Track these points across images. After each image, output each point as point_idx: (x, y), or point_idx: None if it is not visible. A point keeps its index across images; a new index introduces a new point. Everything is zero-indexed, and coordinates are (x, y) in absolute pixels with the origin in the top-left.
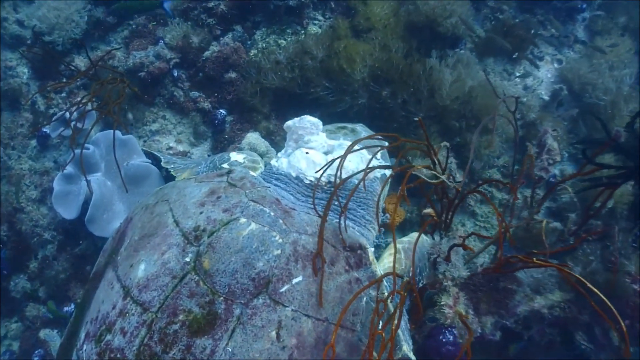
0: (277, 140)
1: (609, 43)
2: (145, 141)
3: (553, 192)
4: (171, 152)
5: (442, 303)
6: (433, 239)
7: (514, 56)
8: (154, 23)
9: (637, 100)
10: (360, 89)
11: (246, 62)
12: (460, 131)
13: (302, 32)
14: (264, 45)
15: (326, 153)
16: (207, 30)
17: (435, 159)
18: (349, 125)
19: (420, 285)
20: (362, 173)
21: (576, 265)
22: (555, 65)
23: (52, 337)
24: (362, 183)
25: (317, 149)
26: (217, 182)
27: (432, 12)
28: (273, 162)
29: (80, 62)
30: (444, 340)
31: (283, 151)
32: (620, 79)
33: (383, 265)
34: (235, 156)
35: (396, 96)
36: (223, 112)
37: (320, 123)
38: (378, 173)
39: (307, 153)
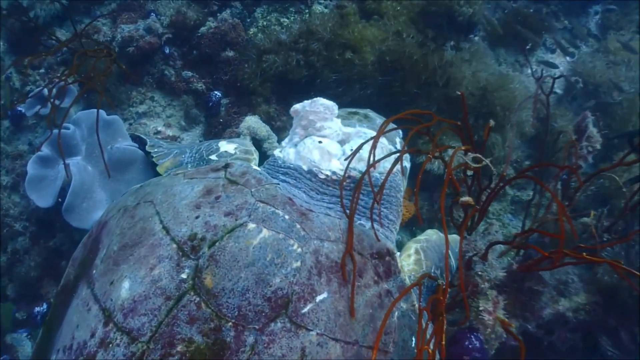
0: (277, 125)
1: (623, 39)
2: (130, 124)
3: (584, 185)
4: (159, 136)
5: (480, 308)
6: (467, 234)
7: (527, 47)
8: None
9: None
10: (369, 78)
11: (245, 40)
12: (476, 127)
13: (307, 11)
14: (265, 23)
15: (340, 142)
16: (203, 4)
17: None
18: (360, 111)
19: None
20: (374, 165)
21: (600, 265)
22: (568, 58)
23: (21, 342)
24: (387, 176)
25: (331, 137)
26: (213, 179)
27: (450, 1)
28: (277, 152)
29: (63, 36)
30: (470, 346)
31: (287, 139)
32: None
33: (402, 269)
34: (224, 146)
35: (408, 88)
36: (218, 94)
37: (335, 107)
38: (403, 163)
39: (320, 142)
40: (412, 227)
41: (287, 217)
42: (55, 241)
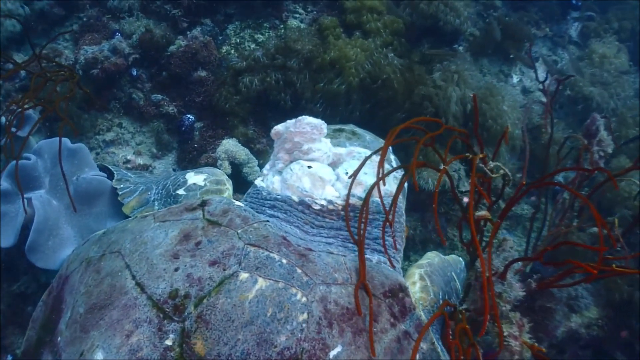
0: (257, 148)
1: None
2: (98, 154)
3: (597, 190)
4: (129, 165)
5: (504, 334)
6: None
7: (510, 56)
8: (109, 16)
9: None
10: (354, 100)
11: (218, 59)
12: (466, 146)
13: (281, 26)
14: (238, 40)
15: (331, 165)
16: (172, 22)
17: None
18: (346, 127)
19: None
20: (379, 189)
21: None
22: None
23: None
24: (396, 199)
25: (321, 160)
26: (190, 221)
27: (436, 11)
28: (259, 182)
29: (21, 60)
30: None
31: (268, 166)
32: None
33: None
34: (192, 177)
35: (396, 110)
36: (191, 117)
37: (324, 125)
38: (394, 184)
39: (309, 167)
40: (405, 250)
41: (284, 261)
42: (19, 285)
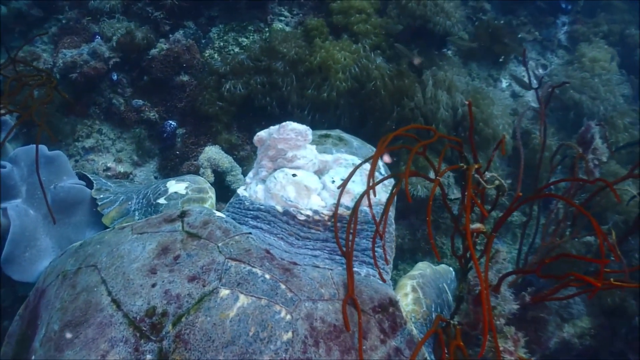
0: (241, 155)
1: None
2: (77, 161)
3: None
4: (110, 173)
5: (500, 349)
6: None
7: (500, 60)
8: (89, 18)
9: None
10: (342, 105)
11: (201, 63)
12: (458, 154)
13: (266, 29)
14: (222, 44)
15: (317, 173)
16: (154, 25)
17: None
18: (332, 133)
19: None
20: (370, 199)
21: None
22: (540, 70)
23: None
24: (388, 209)
25: (306, 168)
26: (169, 233)
27: (425, 11)
28: (241, 191)
29: None
30: None
31: (252, 174)
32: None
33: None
34: (174, 186)
35: (385, 117)
36: (173, 123)
37: (309, 131)
38: (384, 193)
39: (294, 175)
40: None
41: (267, 276)
42: None
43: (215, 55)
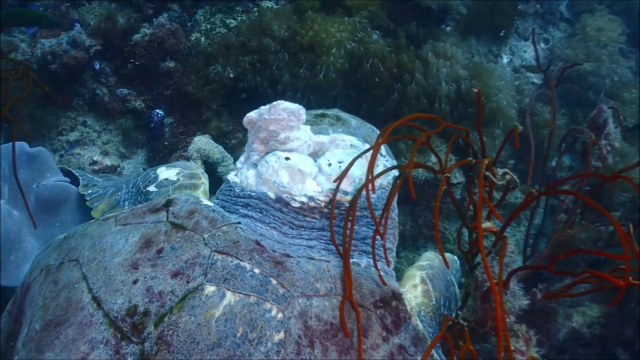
0: (232, 144)
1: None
2: (61, 156)
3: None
4: (96, 167)
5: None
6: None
7: (501, 34)
8: (68, 4)
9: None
10: (338, 85)
11: (187, 47)
12: (458, 123)
13: (255, 9)
14: (208, 26)
15: (313, 155)
16: (136, 9)
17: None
18: (329, 112)
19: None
20: (367, 188)
21: (611, 266)
22: (542, 45)
23: None
24: (391, 199)
25: (300, 150)
26: (152, 224)
27: None
28: (232, 177)
29: None
30: None
31: (242, 158)
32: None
33: (409, 303)
34: (164, 172)
35: (384, 95)
36: (160, 112)
37: (303, 111)
38: (389, 175)
39: (287, 159)
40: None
41: (257, 270)
42: None
43: (202, 39)
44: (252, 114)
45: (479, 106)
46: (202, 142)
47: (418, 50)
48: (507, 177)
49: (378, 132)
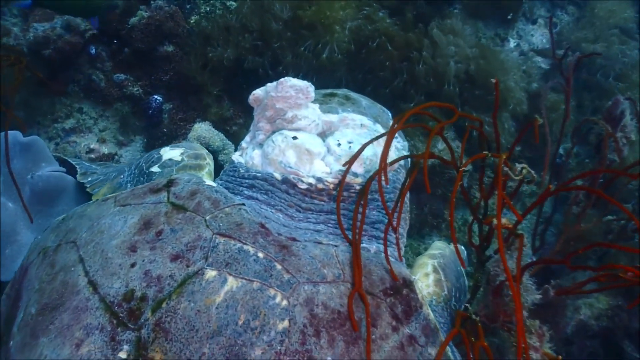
0: (233, 131)
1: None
2: (57, 144)
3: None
4: (93, 155)
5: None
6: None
7: (508, 17)
8: None
9: None
10: (342, 65)
11: (187, 31)
12: (465, 107)
13: None
14: (208, 8)
15: (321, 135)
16: None
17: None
18: (338, 91)
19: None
20: (380, 178)
21: (621, 260)
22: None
23: None
24: (406, 190)
25: (308, 129)
26: (152, 205)
27: None
28: (236, 157)
29: None
30: None
31: (248, 138)
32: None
33: (420, 292)
34: (168, 152)
35: (390, 76)
36: (158, 98)
37: (312, 88)
38: (396, 156)
39: (294, 138)
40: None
41: (261, 255)
42: None
43: (203, 22)
44: (258, 91)
45: (497, 97)
46: (203, 130)
47: (425, 28)
48: (525, 171)
49: (389, 113)
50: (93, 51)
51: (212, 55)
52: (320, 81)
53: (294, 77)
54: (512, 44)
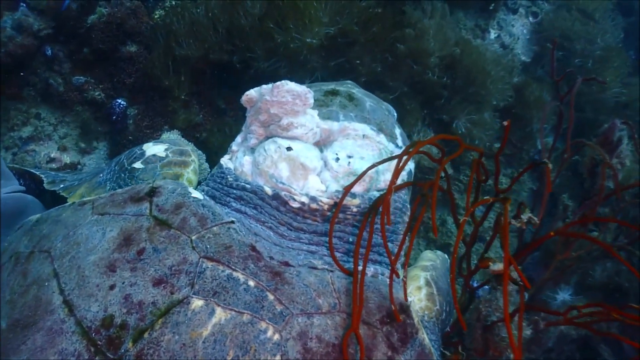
0: (204, 137)
1: None
2: (15, 154)
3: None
4: (54, 165)
5: None
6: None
7: (490, 7)
8: None
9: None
10: (317, 57)
11: (151, 27)
12: (446, 101)
13: None
14: (174, 2)
15: (318, 145)
16: None
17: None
18: (341, 88)
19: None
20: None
21: (598, 266)
22: (531, 19)
23: None
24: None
25: (304, 138)
26: (133, 218)
27: None
28: (225, 161)
29: None
30: None
31: (240, 139)
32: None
33: (415, 313)
34: (151, 148)
35: (368, 66)
36: (122, 102)
37: (310, 94)
38: (404, 172)
39: (289, 149)
40: None
41: (252, 283)
42: None
43: (168, 17)
44: (252, 92)
45: (504, 139)
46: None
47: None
48: (528, 218)
49: (394, 114)
50: (49, 52)
51: (178, 54)
52: (293, 73)
53: (265, 66)
54: (492, 34)
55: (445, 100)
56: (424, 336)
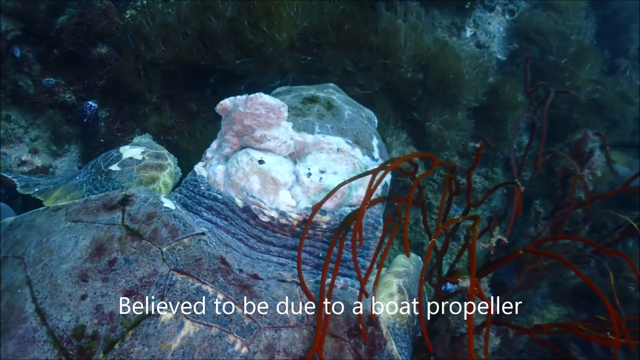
0: (175, 140)
1: None
2: None
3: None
4: (26, 169)
5: None
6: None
7: (466, 6)
8: None
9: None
10: (288, 58)
11: (122, 28)
12: (419, 103)
13: None
14: (145, 2)
15: (292, 157)
16: None
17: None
18: (321, 94)
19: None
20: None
21: (569, 270)
22: (507, 17)
23: None
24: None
25: (278, 151)
26: (105, 227)
27: None
28: (199, 168)
29: None
30: None
31: (215, 145)
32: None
33: (384, 324)
34: (128, 151)
35: (340, 65)
36: (94, 105)
37: (284, 108)
38: (379, 186)
39: (261, 162)
40: None
41: (220, 296)
42: None
43: (140, 17)
44: (226, 102)
45: (477, 158)
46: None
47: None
48: (498, 239)
49: (375, 122)
50: (18, 54)
51: (148, 58)
52: (265, 73)
53: (237, 67)
54: (468, 33)
55: (418, 101)
56: (393, 347)
